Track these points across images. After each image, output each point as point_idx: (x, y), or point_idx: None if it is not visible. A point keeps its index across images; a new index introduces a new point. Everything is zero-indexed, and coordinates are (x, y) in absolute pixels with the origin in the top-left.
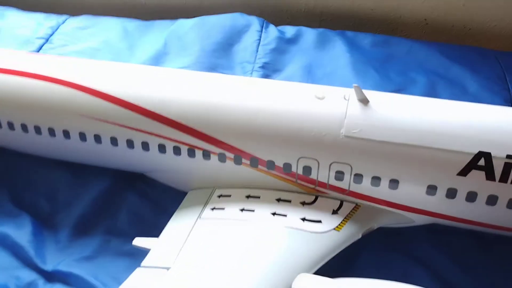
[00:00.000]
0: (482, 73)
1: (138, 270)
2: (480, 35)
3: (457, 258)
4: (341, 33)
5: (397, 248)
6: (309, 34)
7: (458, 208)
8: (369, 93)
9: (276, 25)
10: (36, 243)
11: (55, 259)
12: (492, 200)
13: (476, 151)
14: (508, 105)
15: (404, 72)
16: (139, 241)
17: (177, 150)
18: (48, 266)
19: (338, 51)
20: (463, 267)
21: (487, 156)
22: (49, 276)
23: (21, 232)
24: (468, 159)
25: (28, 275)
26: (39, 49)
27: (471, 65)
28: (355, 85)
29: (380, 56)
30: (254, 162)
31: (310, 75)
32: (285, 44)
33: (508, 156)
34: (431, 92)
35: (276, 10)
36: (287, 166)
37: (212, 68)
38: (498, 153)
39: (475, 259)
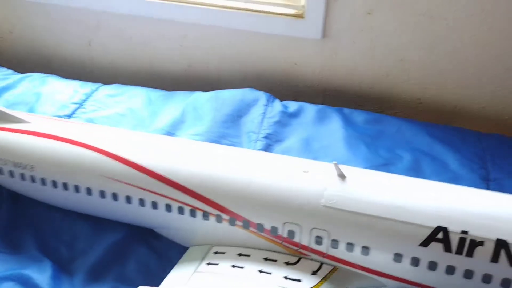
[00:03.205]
0: (463, 152)
1: None
2: (469, 116)
3: None
4: (339, 110)
5: None
6: (310, 110)
7: (422, 276)
8: (347, 169)
9: (282, 99)
10: (54, 286)
11: None
12: (450, 270)
13: (435, 225)
14: (485, 182)
15: (392, 148)
16: None
17: (181, 210)
18: None
19: (334, 126)
20: None
21: (444, 230)
22: None
23: (42, 276)
24: (428, 232)
25: None
26: (72, 113)
27: (454, 144)
28: (334, 162)
29: (372, 133)
30: (246, 224)
31: (307, 147)
32: (287, 118)
33: (463, 232)
34: (415, 167)
35: (284, 85)
36: (274, 229)
37: (222, 136)
38: (454, 228)
39: None
